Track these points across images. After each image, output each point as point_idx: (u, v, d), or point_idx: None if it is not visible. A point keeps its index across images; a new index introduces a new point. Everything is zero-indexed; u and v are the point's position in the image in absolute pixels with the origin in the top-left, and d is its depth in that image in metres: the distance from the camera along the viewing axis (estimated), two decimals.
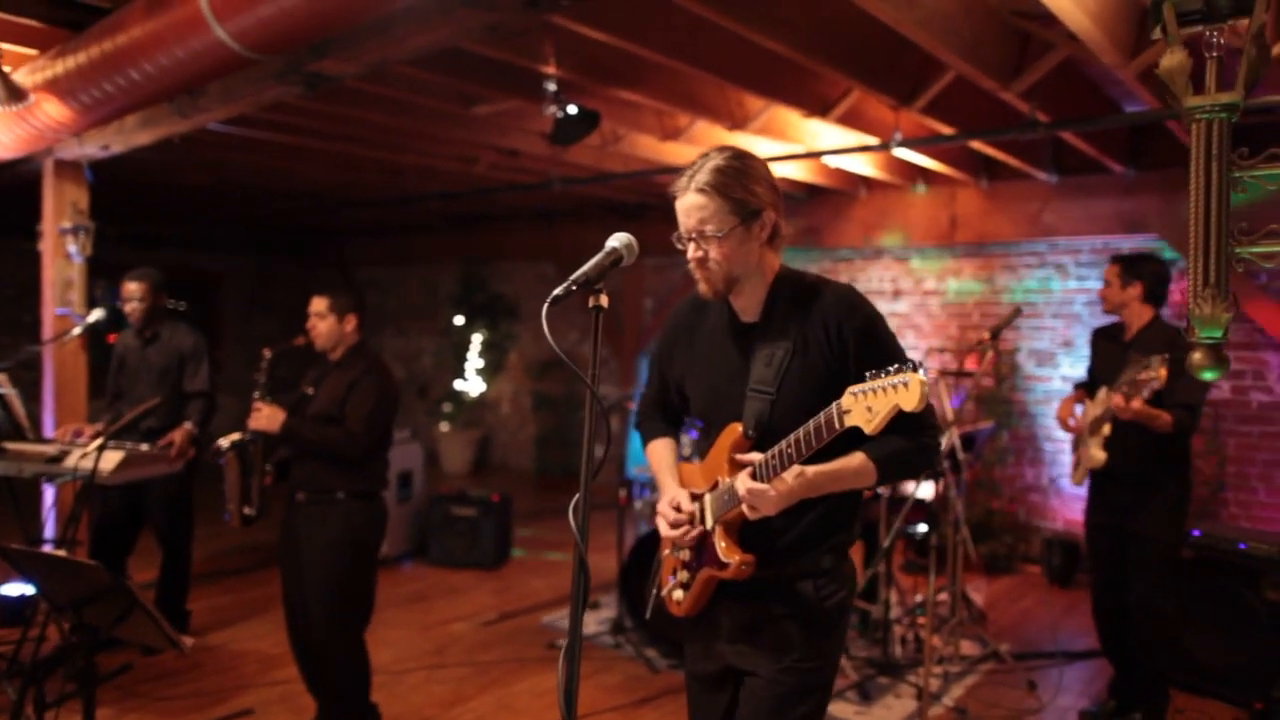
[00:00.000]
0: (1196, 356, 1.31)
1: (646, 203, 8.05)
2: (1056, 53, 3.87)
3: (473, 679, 4.20)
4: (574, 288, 1.47)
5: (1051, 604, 5.51)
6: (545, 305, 1.41)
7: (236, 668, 4.25)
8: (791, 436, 1.71)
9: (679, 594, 2.01)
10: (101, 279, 9.72)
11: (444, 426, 9.89)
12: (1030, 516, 6.45)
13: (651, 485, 5.50)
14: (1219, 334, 1.27)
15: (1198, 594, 4.08)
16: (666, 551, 2.08)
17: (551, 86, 3.75)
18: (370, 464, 3.41)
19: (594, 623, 4.92)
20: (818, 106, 4.55)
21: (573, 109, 3.80)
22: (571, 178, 6.27)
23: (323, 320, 3.45)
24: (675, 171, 5.79)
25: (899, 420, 1.77)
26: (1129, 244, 5.98)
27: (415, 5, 2.58)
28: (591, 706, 3.88)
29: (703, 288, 1.89)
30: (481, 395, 10.02)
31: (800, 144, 5.29)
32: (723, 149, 1.86)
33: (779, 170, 5.94)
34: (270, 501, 3.51)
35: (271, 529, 3.67)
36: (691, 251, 1.85)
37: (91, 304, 4.87)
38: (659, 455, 2.15)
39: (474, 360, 9.87)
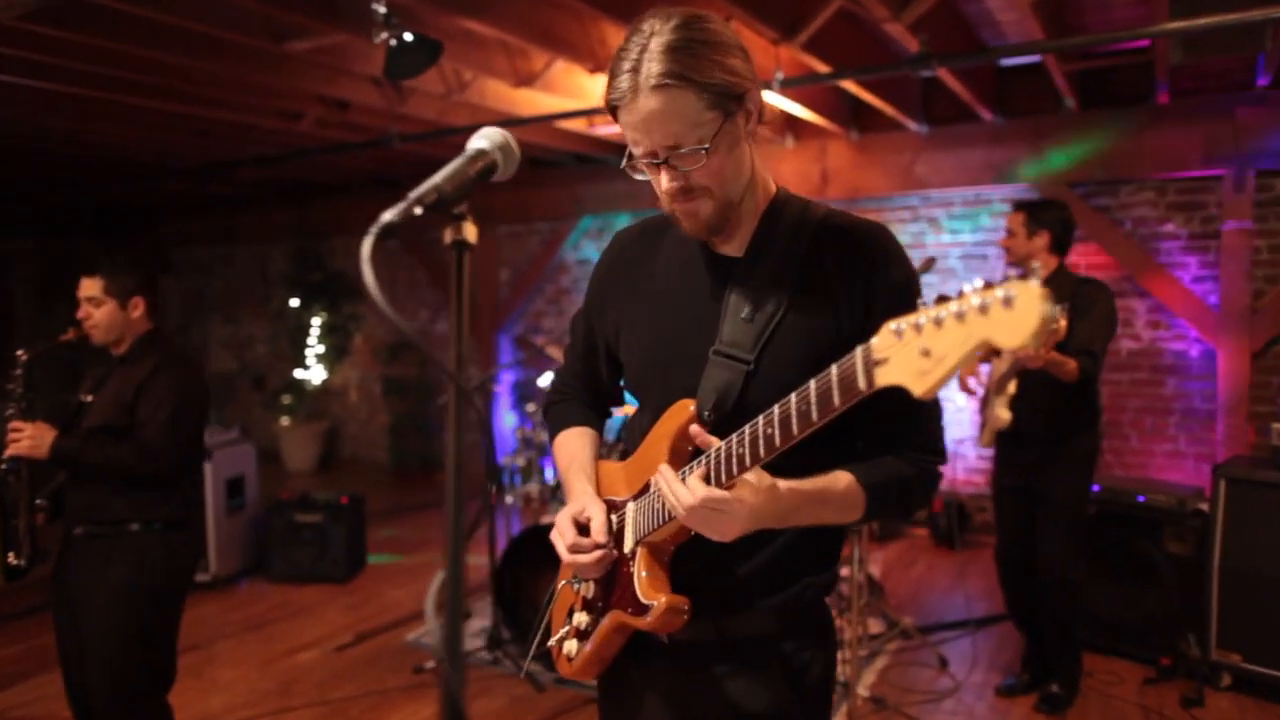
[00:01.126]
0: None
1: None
2: None
3: None
4: (419, 209, 0.89)
5: (945, 567, 5.36)
6: (368, 237, 0.84)
7: None
8: (770, 411, 1.14)
9: (571, 646, 1.44)
10: None
11: (285, 420, 8.93)
12: None
13: (525, 474, 4.96)
14: None
15: (1100, 550, 3.95)
16: (563, 581, 1.50)
17: (381, 8, 3.08)
18: (176, 482, 2.70)
19: (466, 635, 4.33)
20: None
21: (409, 36, 3.15)
22: (412, 135, 5.55)
23: (99, 307, 2.71)
24: (529, 123, 5.20)
25: (897, 424, 1.28)
26: (999, 194, 5.87)
27: None
28: None
29: (690, 226, 1.31)
30: (325, 384, 9.10)
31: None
32: (659, 14, 1.21)
33: None
34: (47, 543, 2.74)
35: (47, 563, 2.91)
36: (665, 182, 1.25)
37: None
38: (568, 449, 1.54)
39: (314, 346, 8.93)
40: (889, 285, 1.26)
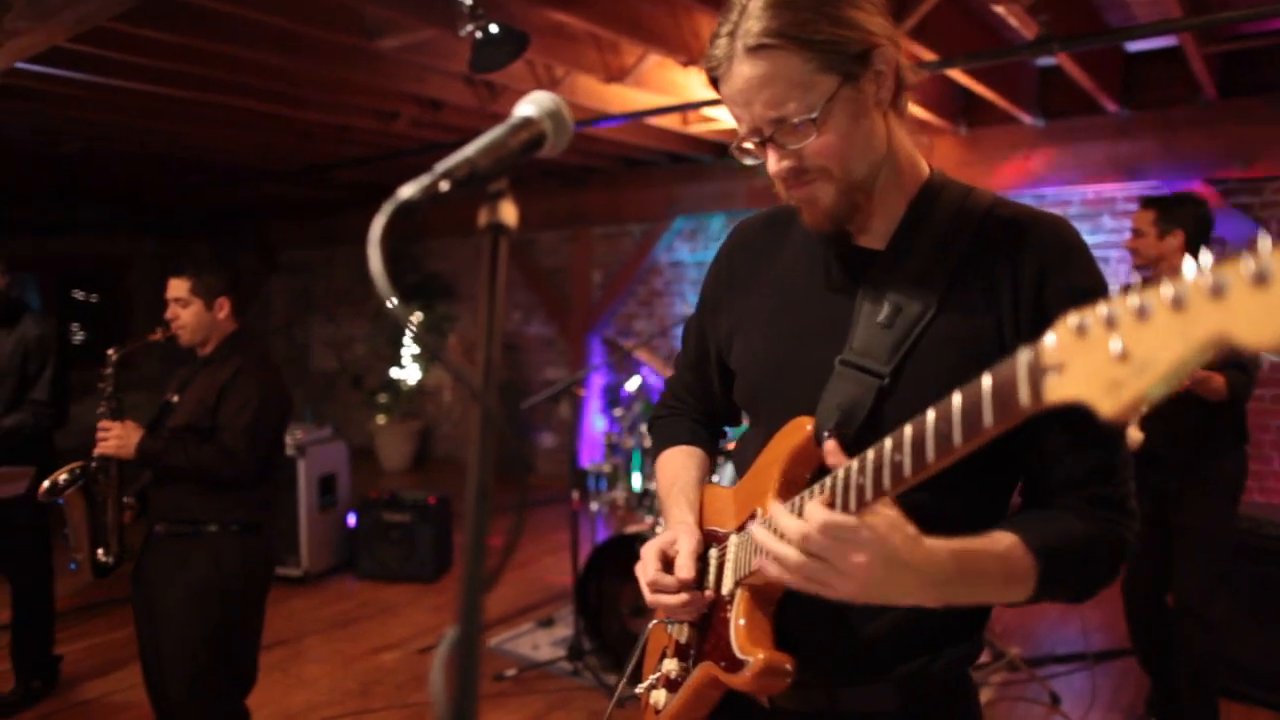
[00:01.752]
0: None
1: (590, 165, 7.32)
2: None
3: None
4: (445, 184, 0.73)
5: None
6: (379, 216, 0.70)
7: None
8: (900, 430, 0.88)
9: (659, 696, 1.24)
10: None
11: (380, 419, 9.08)
12: None
13: (611, 480, 4.84)
14: None
15: (1241, 586, 3.56)
16: (654, 621, 1.31)
17: (468, 0, 3.00)
18: (253, 487, 2.67)
19: (547, 645, 4.25)
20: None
21: (494, 28, 3.06)
22: None
23: (186, 308, 2.72)
24: (621, 120, 5.08)
25: (1071, 473, 1.02)
26: (1125, 193, 5.44)
27: None
28: None
29: (810, 217, 1.11)
30: (420, 383, 9.23)
31: None
32: None
33: None
34: (133, 540, 2.76)
35: None
36: (773, 163, 1.07)
37: None
38: (670, 470, 1.35)
39: (410, 346, 9.07)
40: (1070, 291, 1.00)
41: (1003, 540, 0.98)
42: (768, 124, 1.04)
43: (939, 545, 0.94)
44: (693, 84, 4.80)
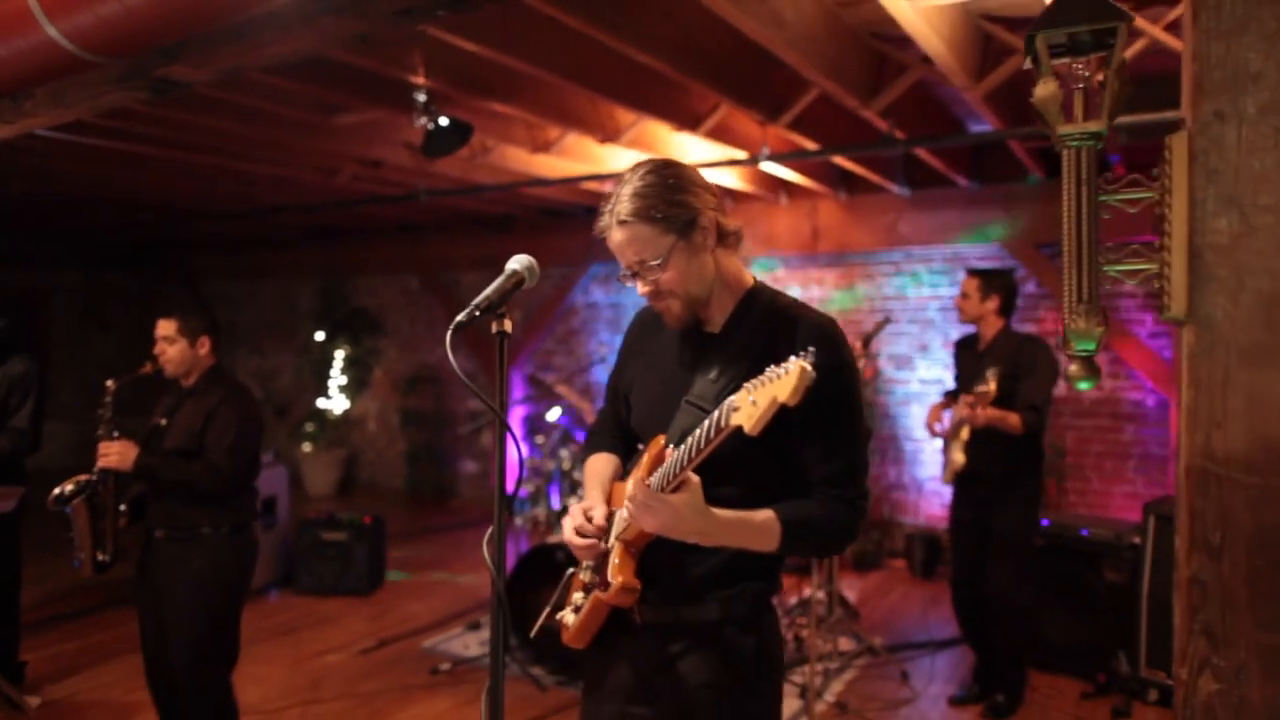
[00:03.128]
0: (1073, 369, 1.39)
1: (514, 214, 7.98)
2: (911, 74, 4.08)
3: (353, 712, 4.01)
4: (477, 313, 1.40)
5: (917, 596, 5.79)
6: (449, 333, 1.35)
7: None
8: (693, 433, 1.53)
9: (569, 617, 1.83)
10: None
11: (306, 447, 9.44)
12: (894, 513, 6.76)
13: (533, 500, 5.44)
14: (1092, 347, 1.35)
15: (1048, 579, 4.40)
16: (570, 570, 1.94)
17: (422, 97, 3.64)
18: (238, 496, 3.20)
19: (476, 644, 4.81)
20: (688, 120, 4.62)
21: (444, 121, 3.70)
22: (438, 190, 6.12)
23: (172, 345, 3.21)
24: (545, 184, 5.76)
25: (822, 474, 1.67)
26: (975, 252, 6.38)
27: (278, 10, 2.44)
28: None
29: (668, 319, 1.75)
30: (346, 413, 9.63)
31: (670, 158, 5.36)
32: (637, 167, 1.71)
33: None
34: (125, 543, 3.24)
35: (116, 568, 3.41)
36: (640, 288, 1.70)
37: None
38: (593, 468, 1.96)
39: (337, 377, 9.48)
40: (818, 364, 1.47)
41: (763, 513, 1.62)
42: (634, 264, 1.68)
43: (717, 513, 1.59)
44: (608, 154, 5.51)
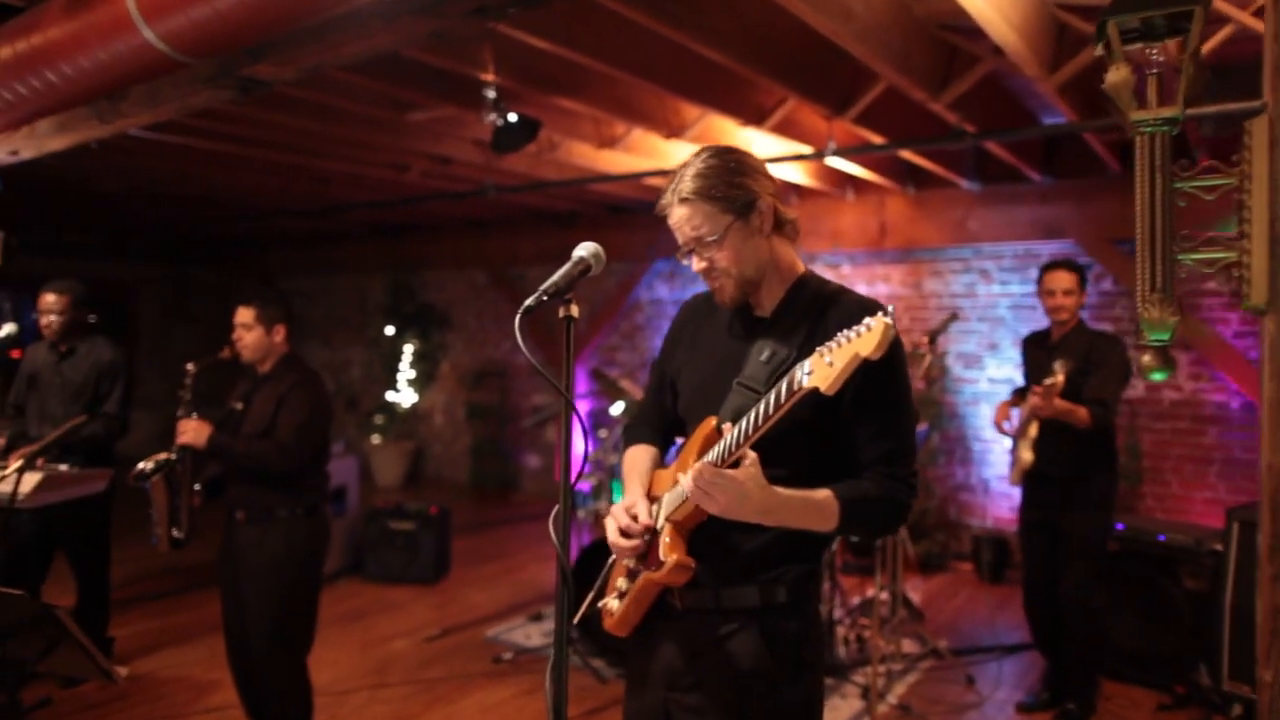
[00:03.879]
0: (1146, 359, 1.37)
1: (579, 210, 8.06)
2: (981, 66, 4.00)
3: (417, 697, 4.11)
4: (545, 298, 1.44)
5: (984, 600, 5.68)
6: (517, 317, 1.39)
7: (167, 696, 4.07)
8: (756, 405, 1.54)
9: (613, 604, 1.82)
10: (5, 290, 9.28)
11: (375, 439, 9.68)
12: (961, 515, 6.64)
13: (595, 493, 5.49)
14: (1167, 336, 1.33)
15: (1122, 585, 4.27)
16: (614, 558, 1.93)
17: (491, 94, 3.71)
18: (308, 478, 3.32)
19: (538, 635, 4.88)
20: (754, 115, 4.62)
21: (513, 117, 3.77)
22: (506, 186, 6.23)
23: (249, 331, 3.33)
24: (610, 179, 5.82)
25: (875, 454, 1.66)
26: (1047, 249, 6.22)
27: (359, 9, 2.53)
28: (540, 719, 3.84)
29: (719, 298, 1.79)
30: (414, 406, 9.85)
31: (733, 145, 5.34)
32: (701, 151, 1.75)
33: None
34: (199, 522, 3.38)
35: (197, 550, 3.55)
36: (695, 264, 1.75)
37: None
38: (632, 459, 1.96)
39: (405, 371, 9.70)
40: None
41: (822, 491, 1.62)
42: (691, 241, 1.72)
43: (780, 490, 1.58)
44: (672, 149, 5.53)
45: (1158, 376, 1.32)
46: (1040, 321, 6.27)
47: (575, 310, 1.44)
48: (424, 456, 10.01)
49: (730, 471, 1.56)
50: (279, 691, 3.21)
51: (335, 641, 4.77)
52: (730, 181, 1.69)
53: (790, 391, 1.47)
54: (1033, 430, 3.87)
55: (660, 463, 1.98)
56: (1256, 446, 5.42)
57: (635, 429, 2.07)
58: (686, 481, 1.60)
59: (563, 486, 1.41)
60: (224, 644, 3.30)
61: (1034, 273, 6.36)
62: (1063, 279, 3.91)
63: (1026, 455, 3.88)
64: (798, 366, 1.46)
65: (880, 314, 1.38)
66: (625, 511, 1.80)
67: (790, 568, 1.73)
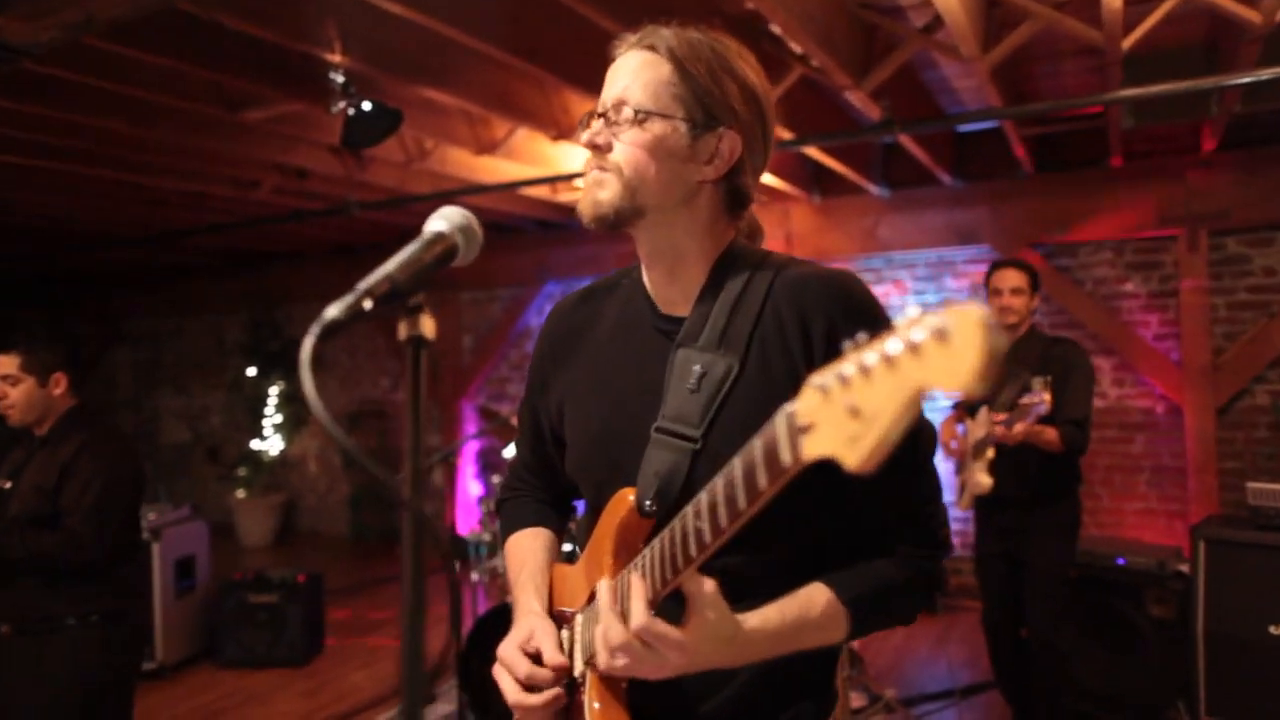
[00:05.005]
0: None
1: None
2: (908, 46, 3.59)
3: None
4: (368, 302, 0.78)
5: (923, 635, 5.23)
6: (309, 336, 0.73)
7: None
8: (698, 498, 0.95)
9: None
10: None
11: (240, 493, 8.62)
12: None
13: (491, 548, 4.78)
14: None
15: (1082, 615, 3.87)
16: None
17: (340, 77, 3.03)
18: (112, 571, 2.52)
19: None
20: None
21: (367, 105, 3.09)
22: (371, 202, 5.48)
23: (15, 385, 2.56)
24: (492, 190, 5.14)
25: (892, 518, 1.12)
26: (962, 255, 5.92)
27: None
28: None
29: (581, 202, 1.18)
30: (282, 454, 8.84)
31: None
32: (706, 29, 1.18)
33: None
34: None
35: None
36: (588, 135, 1.16)
37: None
38: (517, 556, 1.34)
39: (271, 416, 8.70)
40: (854, 333, 1.00)
41: (819, 600, 1.08)
42: (611, 102, 1.15)
43: (758, 628, 1.03)
44: (562, 155, 4.94)
45: None
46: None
47: (429, 326, 0.78)
48: (296, 509, 9.00)
49: (670, 634, 0.98)
50: None
51: None
52: (717, 77, 1.14)
53: (773, 469, 0.83)
54: (990, 452, 3.41)
55: (558, 549, 1.35)
56: (1185, 454, 5.20)
57: (514, 503, 1.43)
58: (599, 638, 1.02)
59: (407, 558, 0.74)
60: None
61: (949, 281, 6.08)
62: (1011, 277, 3.50)
63: (985, 480, 3.39)
64: (779, 419, 0.82)
65: (967, 305, 0.67)
66: (520, 650, 1.17)
67: (796, 704, 1.14)
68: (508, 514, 1.43)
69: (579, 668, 1.15)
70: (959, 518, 5.67)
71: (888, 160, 5.74)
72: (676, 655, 0.99)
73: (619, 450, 1.17)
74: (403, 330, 0.78)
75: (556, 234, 7.12)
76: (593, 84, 3.52)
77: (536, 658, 1.16)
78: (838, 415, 0.74)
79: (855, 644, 4.79)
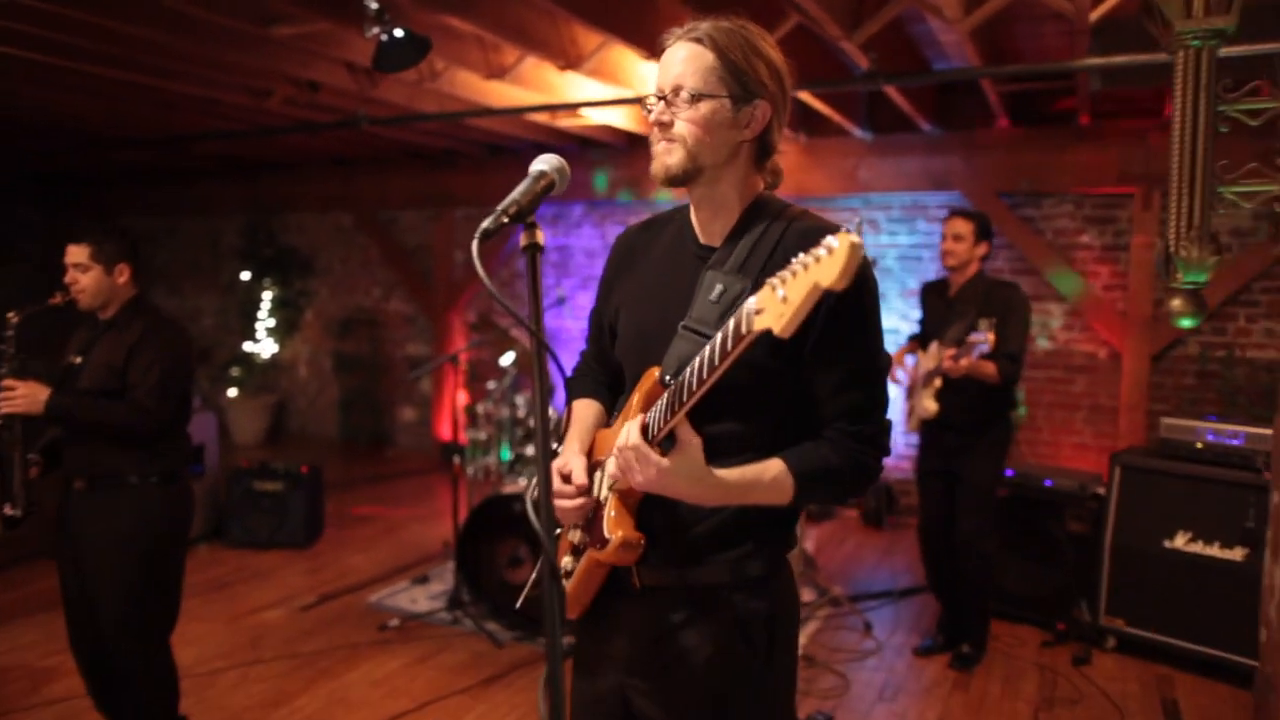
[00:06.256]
0: (1176, 303, 1.23)
1: (457, 150, 7.57)
2: (896, 4, 3.88)
3: (297, 673, 3.77)
4: (505, 219, 1.17)
5: (872, 545, 5.78)
6: (475, 240, 1.11)
7: None
8: (693, 361, 1.32)
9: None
10: None
11: (232, 393, 8.96)
12: None
13: (484, 449, 5.21)
14: (1203, 279, 1.19)
15: (1010, 529, 4.38)
16: (558, 531, 1.69)
17: (374, 4, 3.28)
18: (168, 440, 2.89)
19: (425, 599, 4.59)
20: (655, 48, 4.33)
21: (399, 32, 3.36)
22: (380, 118, 5.71)
23: (85, 273, 2.85)
24: (498, 114, 5.39)
25: (838, 408, 1.47)
26: (935, 200, 6.29)
27: None
28: (436, 690, 3.59)
29: (654, 165, 1.51)
30: (274, 358, 9.16)
31: (632, 89, 5.07)
32: (734, 18, 1.51)
33: (604, 117, 5.70)
34: (40, 495, 2.90)
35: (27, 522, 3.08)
36: (656, 113, 1.49)
37: None
38: (573, 416, 1.74)
39: (264, 319, 8.98)
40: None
41: (772, 466, 1.44)
42: (669, 86, 1.48)
43: (717, 474, 1.40)
44: (567, 84, 5.19)
45: (1187, 323, 1.19)
46: (928, 272, 6.38)
47: (541, 237, 1.17)
48: (287, 411, 9.37)
49: (653, 456, 1.37)
50: (136, 680, 2.80)
51: (199, 615, 4.33)
52: (749, 59, 1.47)
53: (736, 336, 1.21)
54: (938, 382, 3.86)
55: (606, 420, 1.75)
56: (1120, 395, 5.69)
57: (578, 381, 1.82)
58: (619, 442, 1.40)
59: (539, 454, 1.15)
60: (63, 625, 2.85)
61: (921, 224, 6.47)
62: (955, 225, 3.90)
63: (931, 405, 3.87)
64: (746, 305, 1.19)
65: (843, 230, 1.10)
66: (558, 472, 1.58)
67: (759, 543, 1.54)
68: (574, 388, 1.82)
69: (605, 493, 1.56)
70: (909, 442, 6.18)
71: (871, 104, 6.04)
72: (655, 473, 1.36)
73: (655, 342, 1.53)
74: (524, 240, 1.15)
75: None
76: (600, 19, 3.82)
77: (568, 478, 1.56)
78: (775, 302, 1.13)
79: (810, 548, 5.33)
